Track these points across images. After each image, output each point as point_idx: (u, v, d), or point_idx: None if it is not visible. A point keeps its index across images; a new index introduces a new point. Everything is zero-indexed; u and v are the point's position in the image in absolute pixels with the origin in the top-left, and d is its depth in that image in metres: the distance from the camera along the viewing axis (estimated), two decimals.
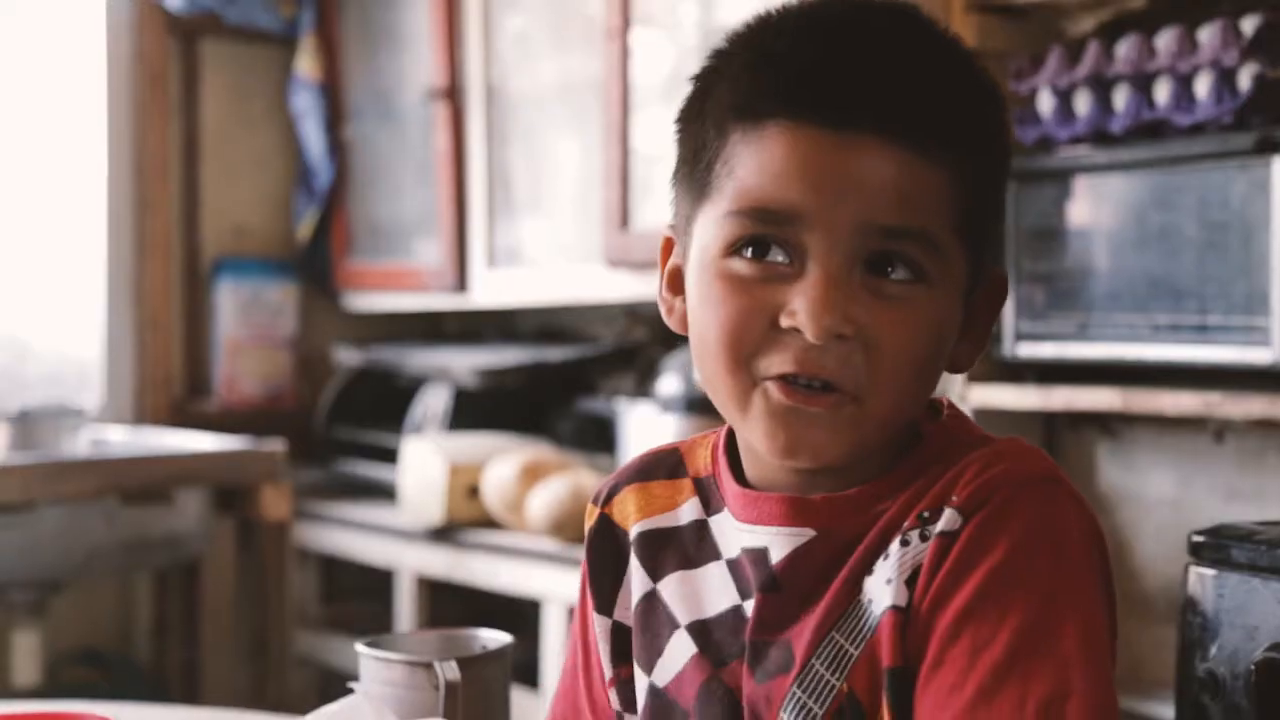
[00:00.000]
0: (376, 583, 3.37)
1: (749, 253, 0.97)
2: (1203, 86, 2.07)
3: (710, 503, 1.08)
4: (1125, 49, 2.18)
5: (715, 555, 1.06)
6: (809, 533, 1.00)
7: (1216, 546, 1.41)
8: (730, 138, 0.98)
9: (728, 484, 1.06)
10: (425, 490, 3.08)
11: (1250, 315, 1.98)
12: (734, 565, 1.04)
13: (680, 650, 1.05)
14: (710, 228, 0.99)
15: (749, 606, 1.02)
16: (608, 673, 1.11)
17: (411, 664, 1.31)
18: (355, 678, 1.33)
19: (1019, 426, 2.51)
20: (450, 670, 1.30)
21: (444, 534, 3.06)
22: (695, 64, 3.16)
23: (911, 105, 0.95)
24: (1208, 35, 2.07)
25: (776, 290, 0.96)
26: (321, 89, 3.72)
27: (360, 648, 1.33)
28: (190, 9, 3.55)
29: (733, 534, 1.05)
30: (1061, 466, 2.73)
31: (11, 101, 3.51)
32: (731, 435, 1.08)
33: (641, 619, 1.08)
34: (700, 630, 1.05)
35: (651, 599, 1.08)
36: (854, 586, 0.98)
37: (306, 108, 3.73)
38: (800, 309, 0.94)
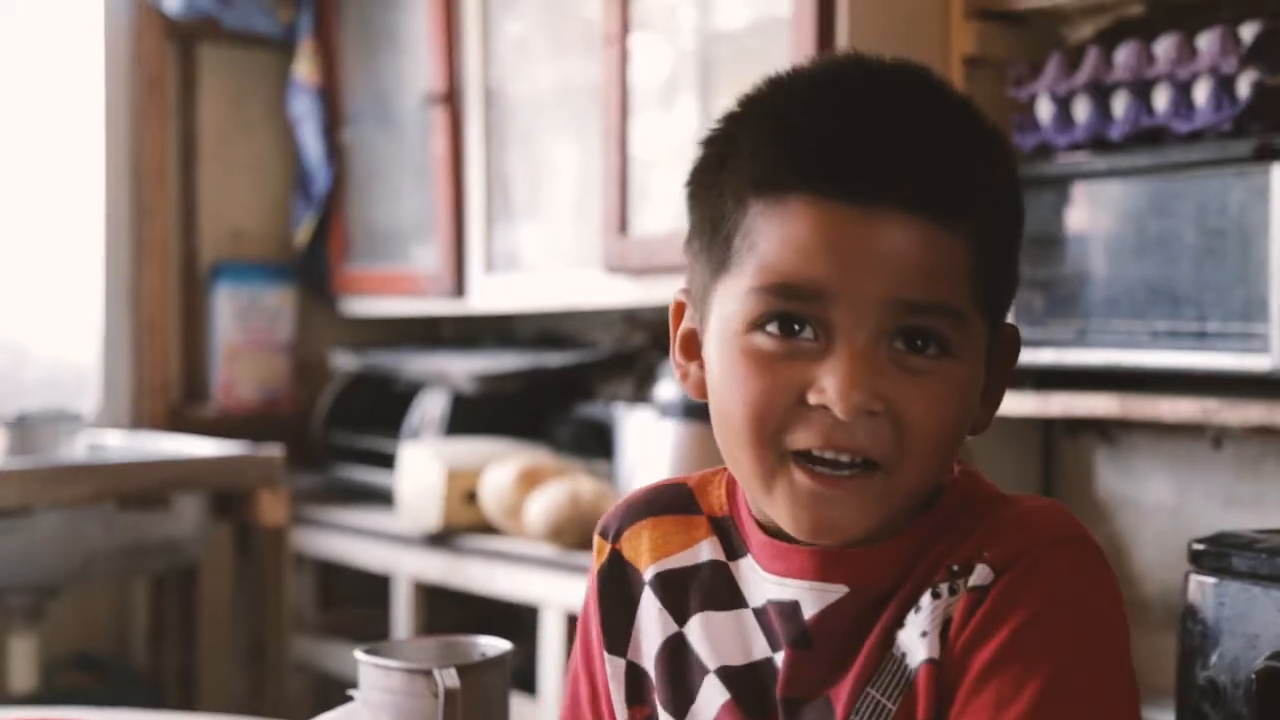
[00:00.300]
0: (374, 588, 3.37)
1: (774, 328, 0.96)
2: (1202, 93, 2.07)
3: (731, 545, 1.07)
4: (1124, 55, 2.18)
5: (741, 602, 1.05)
6: (841, 589, 1.00)
7: (1217, 554, 1.41)
8: (750, 210, 0.97)
9: (752, 531, 1.05)
10: (423, 495, 3.08)
11: (1249, 322, 1.98)
12: (761, 615, 1.03)
13: (712, 696, 1.04)
14: (731, 302, 0.98)
15: (779, 659, 1.02)
16: (620, 714, 1.10)
17: (410, 671, 1.30)
18: (352, 684, 1.32)
19: (1017, 433, 2.51)
20: (450, 678, 1.29)
21: (441, 539, 3.06)
22: (693, 69, 3.13)
23: (934, 179, 0.95)
24: (1207, 42, 2.07)
25: (802, 367, 0.95)
26: (319, 93, 3.71)
27: (359, 655, 1.33)
28: (188, 13, 3.55)
29: (758, 583, 1.04)
30: (1059, 473, 2.72)
31: (9, 105, 3.50)
32: None
33: (667, 663, 1.07)
34: (731, 677, 1.04)
35: (677, 642, 1.07)
36: (886, 641, 0.99)
37: (304, 112, 3.72)
38: (829, 386, 0.93)
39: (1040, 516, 0.99)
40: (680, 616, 1.07)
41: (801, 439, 0.95)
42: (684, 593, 1.07)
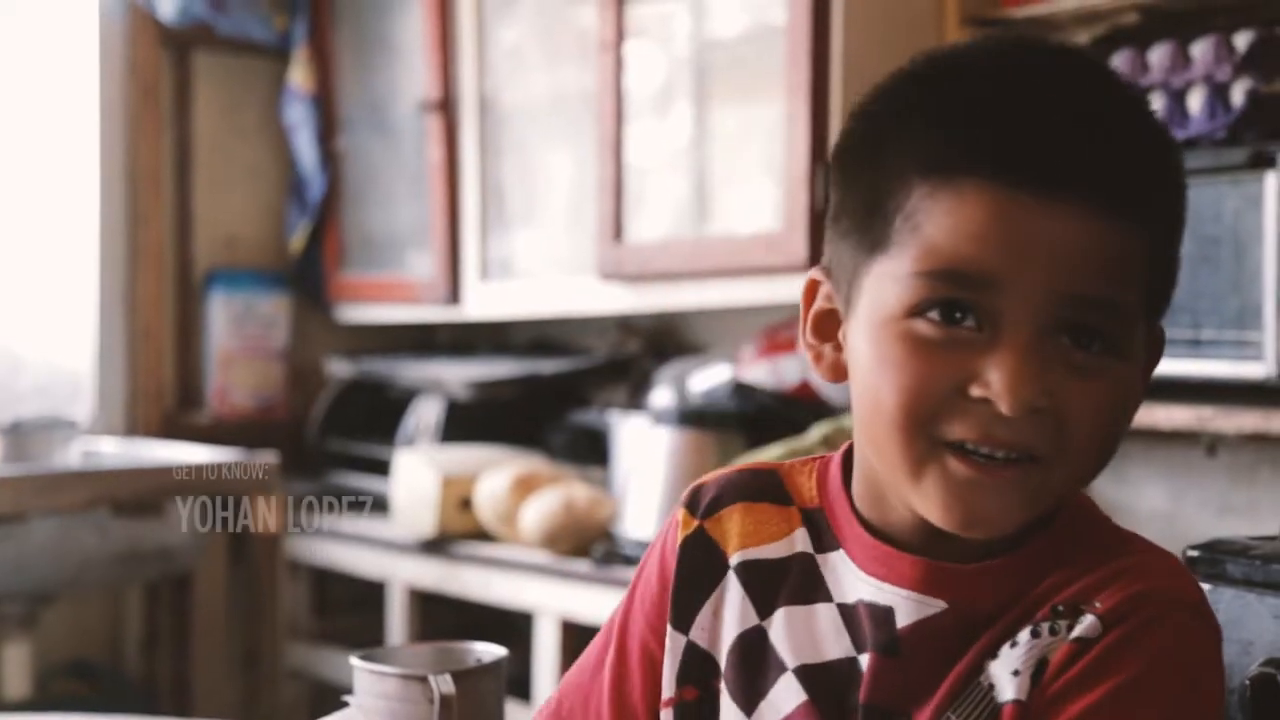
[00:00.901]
0: (369, 595, 3.37)
1: (935, 315, 0.92)
2: (1196, 101, 2.08)
3: (821, 539, 1.04)
4: (1119, 64, 2.18)
5: (826, 596, 1.02)
6: (940, 604, 0.97)
7: (1211, 561, 1.41)
8: (915, 192, 0.93)
9: (850, 528, 1.02)
10: (417, 502, 3.08)
11: (1243, 330, 1.99)
12: (848, 612, 1.01)
13: (788, 694, 1.01)
14: (890, 284, 0.94)
15: (864, 661, 0.99)
16: (668, 691, 1.07)
17: (406, 677, 1.31)
18: (348, 690, 1.33)
19: None
20: (445, 683, 1.30)
21: (436, 546, 3.06)
22: (688, 76, 3.11)
23: (1116, 171, 0.91)
24: (1201, 50, 2.07)
25: (964, 356, 0.91)
26: (314, 100, 3.72)
27: (355, 661, 1.33)
28: (183, 20, 3.55)
29: (851, 580, 1.01)
30: None
31: (3, 112, 3.50)
32: (847, 468, 1.05)
33: (742, 653, 1.04)
34: (810, 676, 1.01)
35: (757, 635, 1.04)
36: (977, 667, 0.96)
37: (299, 119, 3.73)
38: (996, 381, 0.90)
39: (1159, 575, 0.95)
40: (764, 609, 1.04)
41: (958, 430, 0.92)
42: (772, 585, 1.04)
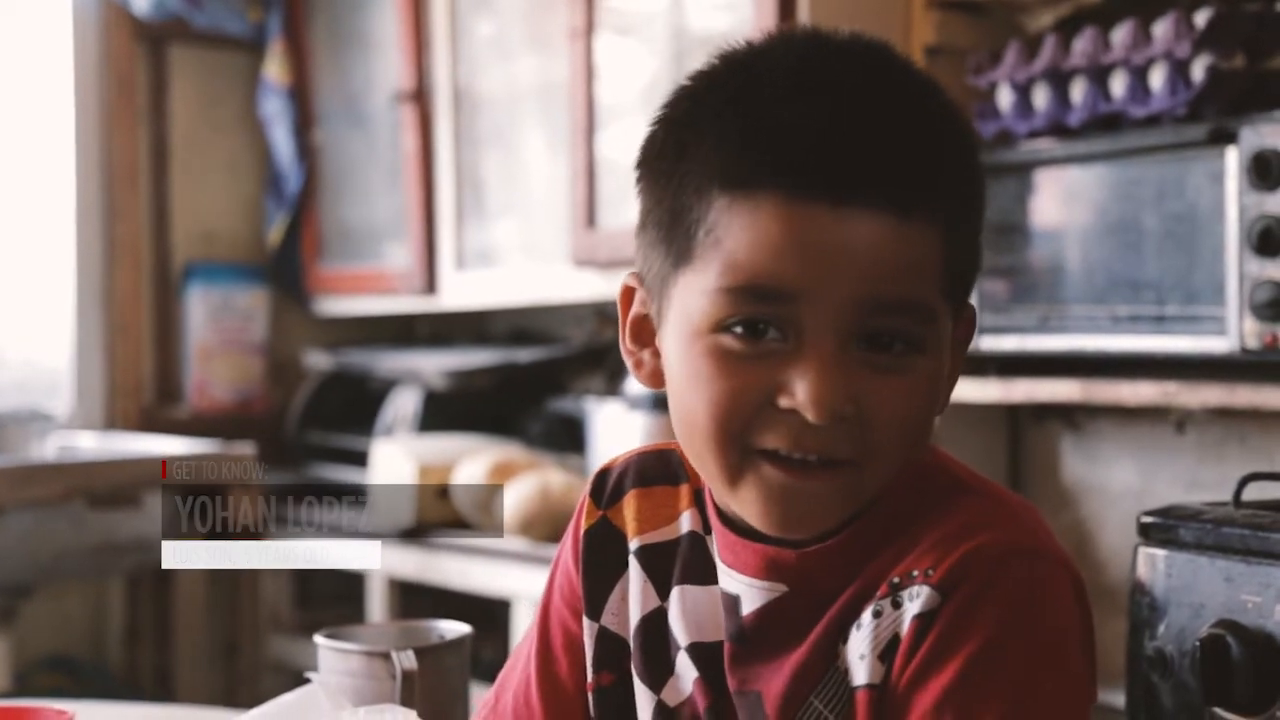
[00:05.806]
0: (349, 586, 3.37)
1: (740, 329, 0.93)
2: (1157, 78, 2.09)
3: (705, 520, 1.06)
4: (1081, 42, 2.19)
5: (714, 579, 1.04)
6: (781, 588, 0.99)
7: (1165, 527, 1.42)
8: (714, 204, 0.93)
9: (714, 514, 1.04)
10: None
11: (1206, 305, 2.00)
12: (724, 598, 1.03)
13: (687, 671, 1.04)
14: (696, 299, 0.95)
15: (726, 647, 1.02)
16: (589, 677, 1.09)
17: (369, 654, 1.32)
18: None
19: (985, 420, 2.52)
20: (407, 659, 1.31)
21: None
22: (663, 63, 3.10)
23: (908, 174, 0.92)
24: (1161, 28, 2.08)
25: (771, 368, 0.92)
26: (290, 93, 3.72)
27: (319, 639, 1.34)
28: (158, 14, 3.55)
29: (717, 566, 1.04)
30: (1026, 459, 2.70)
31: None
32: None
33: (646, 635, 1.06)
34: (699, 654, 1.03)
35: (658, 616, 1.06)
36: (830, 649, 0.97)
37: (275, 112, 3.73)
38: (800, 391, 0.91)
39: (990, 528, 0.94)
40: (663, 590, 1.06)
41: (770, 440, 0.93)
42: (667, 565, 1.06)
